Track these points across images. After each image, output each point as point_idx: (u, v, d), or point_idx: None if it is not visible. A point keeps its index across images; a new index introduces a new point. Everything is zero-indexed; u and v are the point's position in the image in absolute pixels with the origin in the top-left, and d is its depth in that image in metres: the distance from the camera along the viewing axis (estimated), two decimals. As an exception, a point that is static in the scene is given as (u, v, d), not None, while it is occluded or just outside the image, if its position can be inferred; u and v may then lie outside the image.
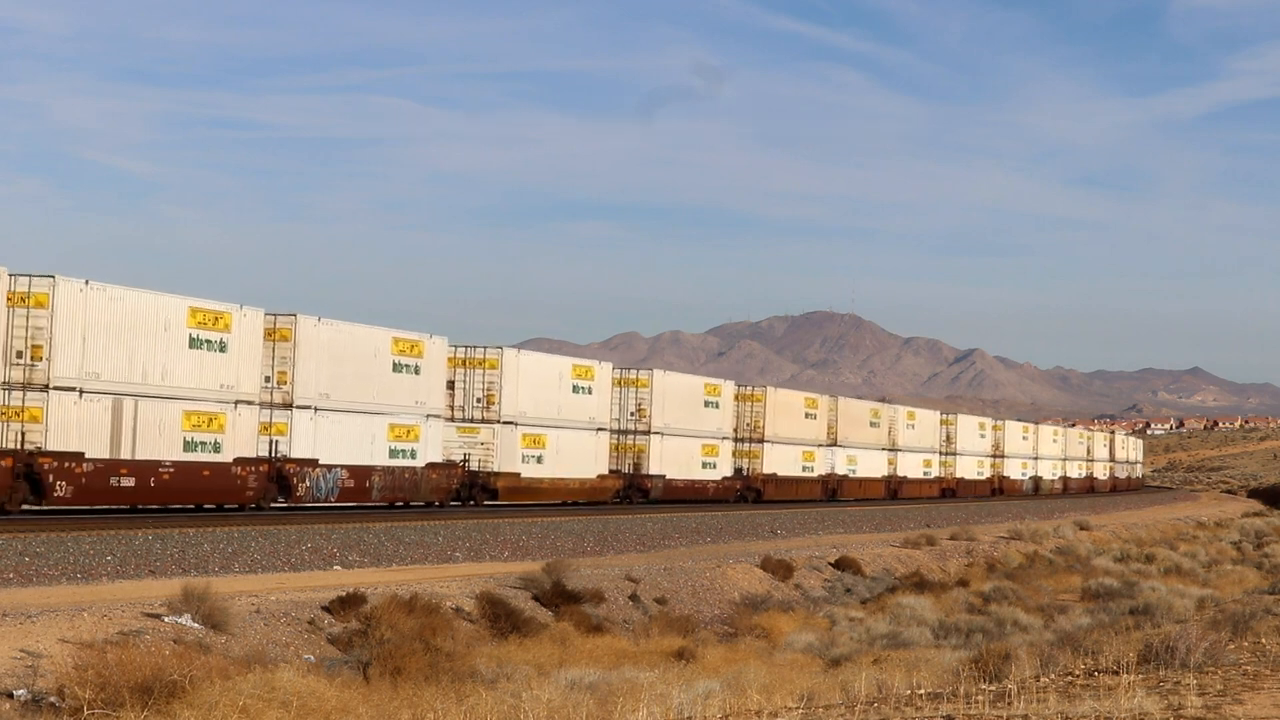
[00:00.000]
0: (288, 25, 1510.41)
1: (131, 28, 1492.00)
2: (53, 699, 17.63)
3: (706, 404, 75.81)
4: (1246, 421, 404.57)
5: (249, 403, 46.46)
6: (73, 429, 40.27)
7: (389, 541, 38.48)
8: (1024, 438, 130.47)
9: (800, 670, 23.40)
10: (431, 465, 55.37)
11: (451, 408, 58.72)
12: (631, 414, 70.45)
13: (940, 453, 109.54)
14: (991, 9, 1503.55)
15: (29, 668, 18.61)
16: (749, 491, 79.47)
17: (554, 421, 62.50)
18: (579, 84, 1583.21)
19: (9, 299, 39.24)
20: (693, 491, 73.83)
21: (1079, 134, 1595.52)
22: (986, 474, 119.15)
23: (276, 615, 24.30)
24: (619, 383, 70.26)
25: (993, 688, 14.61)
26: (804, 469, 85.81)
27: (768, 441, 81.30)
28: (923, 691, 15.04)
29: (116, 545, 32.25)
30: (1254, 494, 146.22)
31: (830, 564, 44.13)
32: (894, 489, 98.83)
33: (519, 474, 60.36)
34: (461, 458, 58.28)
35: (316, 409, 49.63)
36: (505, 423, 59.63)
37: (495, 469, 59.37)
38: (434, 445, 55.55)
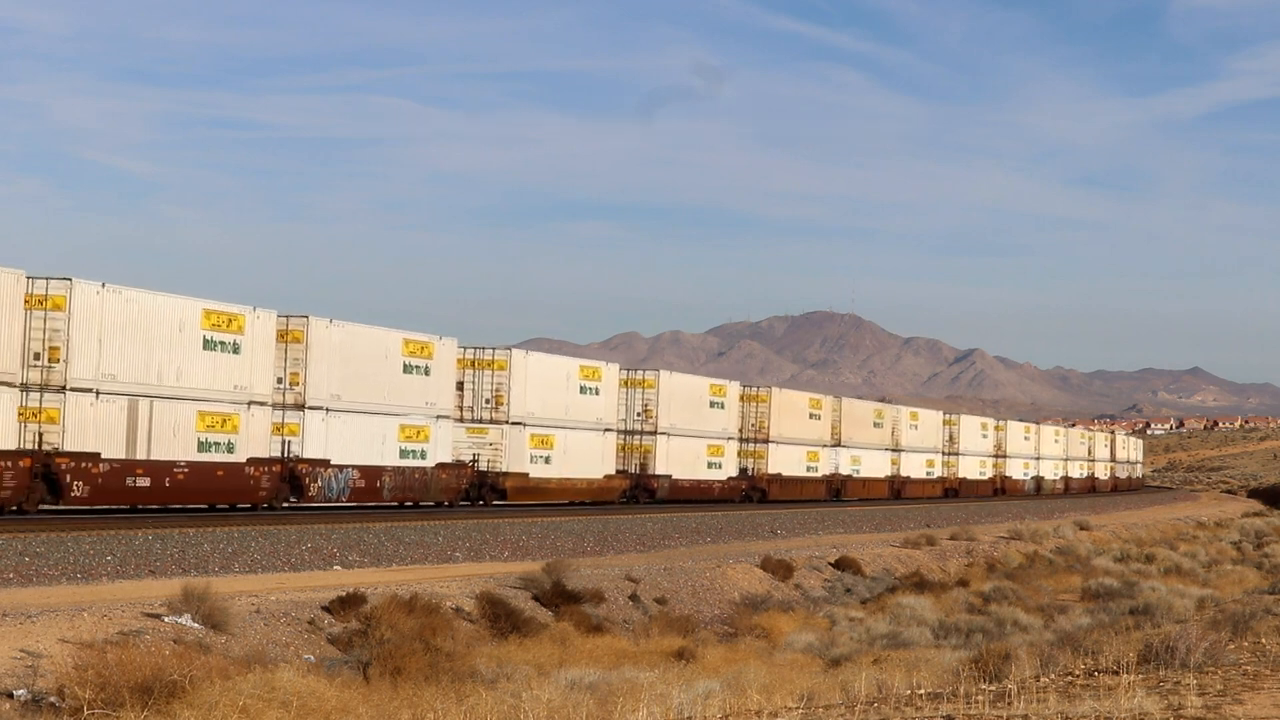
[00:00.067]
0: (288, 25, 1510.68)
1: (131, 28, 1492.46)
2: (53, 699, 17.64)
3: (712, 405, 75.95)
4: (1246, 421, 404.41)
5: (262, 404, 46.67)
6: (89, 430, 40.52)
7: (389, 541, 38.50)
8: (1026, 438, 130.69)
9: (800, 670, 23.40)
10: (441, 466, 55.57)
11: (460, 408, 58.89)
12: (638, 414, 70.61)
13: (943, 453, 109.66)
14: (991, 9, 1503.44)
15: (29, 668, 18.61)
16: (754, 491, 79.60)
17: (562, 422, 62.65)
18: (579, 84, 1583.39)
19: (26, 301, 39.41)
20: (698, 492, 73.92)
21: (1079, 134, 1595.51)
22: (989, 474, 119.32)
23: (276, 615, 24.31)
24: (625, 383, 70.47)
25: (993, 688, 14.60)
26: (808, 469, 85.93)
27: (772, 442, 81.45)
28: (923, 691, 15.04)
29: (116, 545, 32.27)
30: (1254, 494, 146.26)
31: (830, 564, 44.16)
32: (897, 489, 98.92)
33: (527, 474, 60.49)
34: (470, 458, 58.44)
35: (328, 410, 49.82)
36: (514, 423, 59.77)
37: (504, 469, 59.54)
38: (444, 446, 55.74)
